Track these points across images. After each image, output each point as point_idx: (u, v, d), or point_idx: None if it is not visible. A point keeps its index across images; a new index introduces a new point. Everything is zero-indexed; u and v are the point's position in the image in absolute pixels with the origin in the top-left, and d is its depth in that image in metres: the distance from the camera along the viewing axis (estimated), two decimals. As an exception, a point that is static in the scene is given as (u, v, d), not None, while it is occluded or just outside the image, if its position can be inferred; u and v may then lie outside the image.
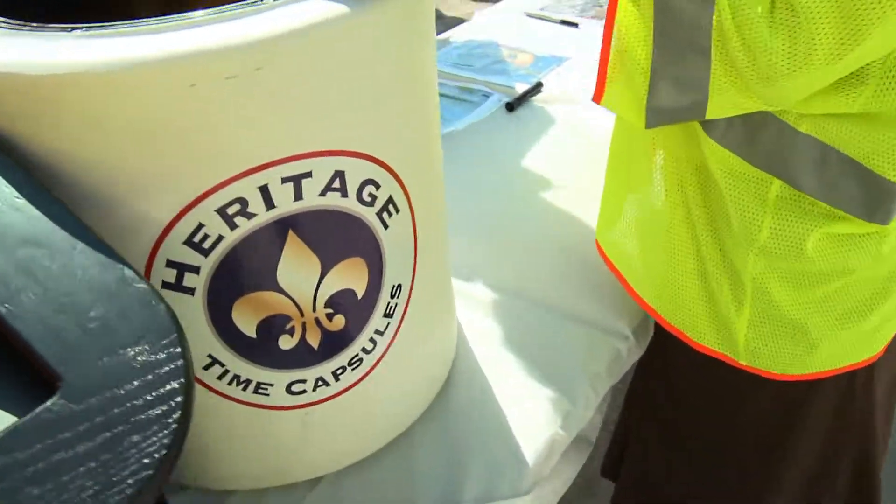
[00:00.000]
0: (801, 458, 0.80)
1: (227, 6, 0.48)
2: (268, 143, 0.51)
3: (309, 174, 0.53)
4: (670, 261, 0.74)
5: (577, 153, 1.07)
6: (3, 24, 0.47)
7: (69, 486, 0.36)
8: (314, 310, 0.59)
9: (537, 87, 1.24)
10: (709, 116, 0.62)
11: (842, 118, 0.60)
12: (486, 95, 1.24)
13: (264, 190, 0.52)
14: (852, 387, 0.77)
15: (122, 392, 0.39)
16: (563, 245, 0.91)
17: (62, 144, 0.48)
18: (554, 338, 0.81)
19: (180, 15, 0.47)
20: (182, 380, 0.40)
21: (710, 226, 0.70)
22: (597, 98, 0.66)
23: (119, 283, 0.43)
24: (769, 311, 0.70)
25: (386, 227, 0.60)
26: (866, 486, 0.84)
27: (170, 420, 0.39)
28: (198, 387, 0.59)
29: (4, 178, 0.46)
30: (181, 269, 0.54)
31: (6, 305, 0.41)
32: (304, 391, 0.62)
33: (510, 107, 1.20)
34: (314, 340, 0.60)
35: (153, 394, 0.40)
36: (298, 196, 0.54)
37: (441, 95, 1.24)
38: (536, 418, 0.72)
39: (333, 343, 0.61)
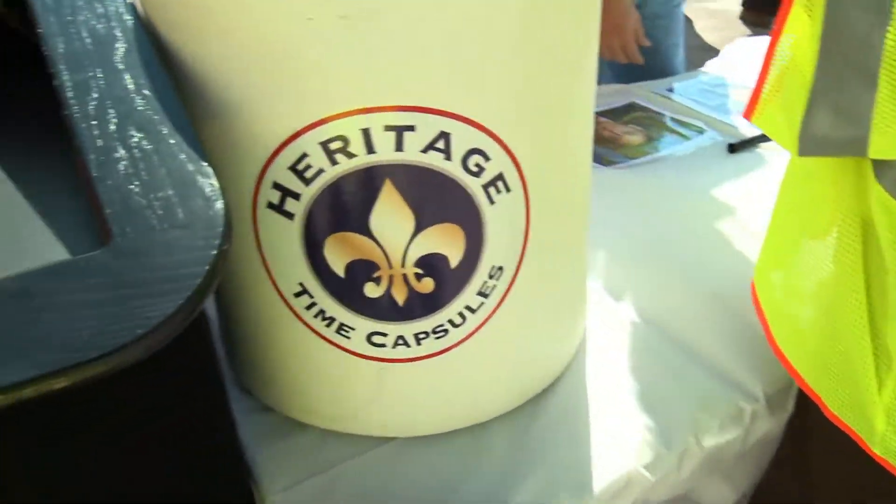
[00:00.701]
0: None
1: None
2: (373, 88, 0.55)
3: (412, 128, 0.56)
4: (821, 316, 0.68)
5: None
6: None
7: (77, 322, 0.42)
8: (403, 265, 0.62)
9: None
10: (872, 155, 0.56)
11: None
12: (701, 131, 1.21)
13: (366, 133, 0.56)
14: None
15: (154, 262, 0.45)
16: (721, 287, 0.86)
17: (203, 57, 0.56)
18: (673, 374, 0.77)
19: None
20: (206, 267, 0.45)
21: (864, 285, 0.63)
22: (748, 114, 0.62)
23: (193, 176, 0.49)
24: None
25: (492, 202, 0.61)
26: None
27: (180, 297, 0.44)
28: (287, 313, 0.65)
29: (146, 72, 0.55)
30: (284, 192, 0.59)
31: (100, 170, 0.49)
32: (384, 345, 0.65)
33: (732, 148, 1.15)
34: (400, 296, 0.63)
35: (178, 270, 0.45)
36: (399, 147, 0.57)
37: (649, 119, 1.23)
38: (622, 449, 0.69)
39: (419, 304, 0.64)
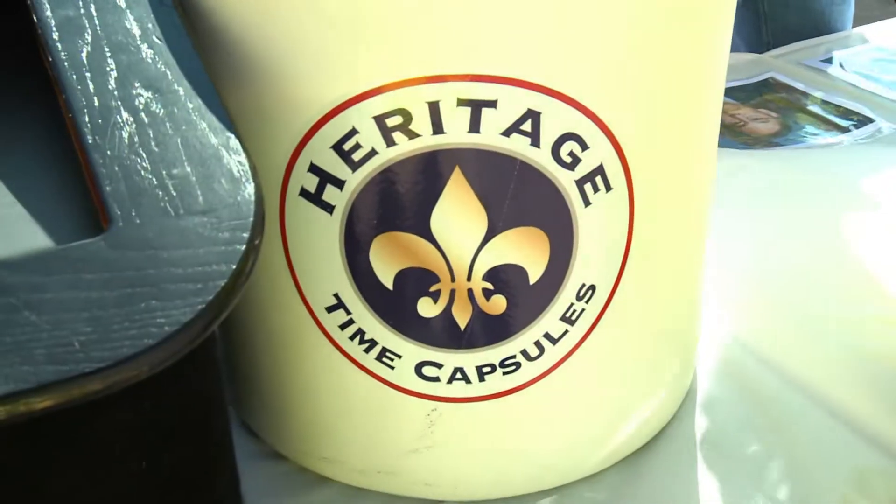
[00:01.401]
0: None
1: None
2: (446, 50, 0.54)
3: (493, 104, 0.56)
4: None
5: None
6: None
7: (64, 325, 0.42)
8: (469, 278, 0.62)
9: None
10: None
11: None
12: (866, 121, 1.17)
13: (434, 108, 0.56)
14: None
15: (166, 255, 0.45)
16: (880, 332, 0.85)
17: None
18: (814, 439, 0.76)
19: None
20: (233, 266, 0.46)
21: None
22: None
23: (217, 149, 0.50)
24: None
25: (587, 202, 0.61)
26: None
27: (199, 300, 0.44)
28: (314, 332, 0.65)
29: (156, 13, 0.55)
30: (324, 178, 0.59)
31: (96, 137, 0.49)
32: (437, 379, 0.65)
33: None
34: (462, 317, 0.63)
35: (196, 268, 0.45)
36: (475, 127, 0.57)
37: (790, 101, 1.20)
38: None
39: (485, 329, 0.64)
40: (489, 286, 0.62)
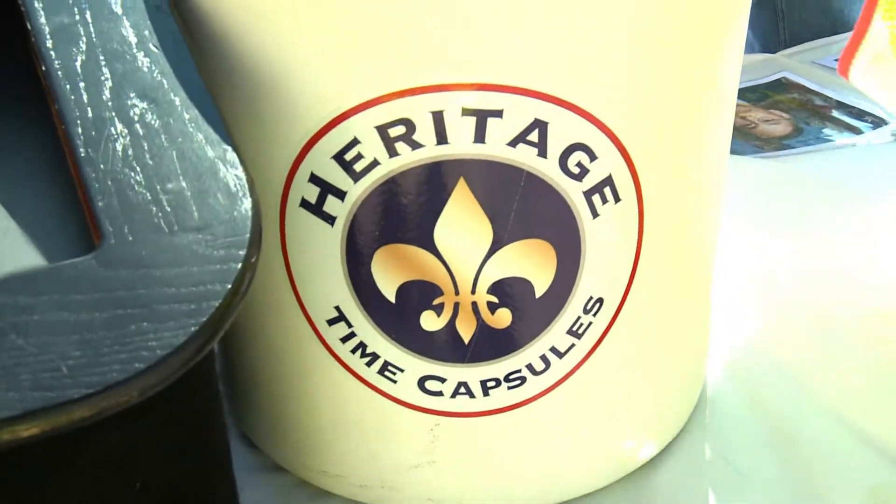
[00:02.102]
0: None
1: None
2: (452, 58, 0.53)
3: (499, 113, 0.55)
4: None
5: None
6: None
7: (52, 349, 0.41)
8: (473, 291, 0.60)
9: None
10: None
11: None
12: (876, 124, 1.16)
13: (438, 118, 0.55)
14: None
15: (158, 274, 0.44)
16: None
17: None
18: (831, 454, 0.75)
19: None
20: (229, 285, 0.44)
21: None
22: (843, 69, 0.60)
23: (213, 163, 0.48)
24: None
25: (595, 214, 0.60)
26: None
27: (192, 321, 0.43)
28: (315, 346, 0.64)
29: (153, 21, 0.54)
30: (325, 188, 0.58)
31: (89, 149, 0.48)
32: (440, 393, 0.64)
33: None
34: (465, 331, 0.62)
35: (189, 288, 0.44)
36: (480, 138, 0.56)
37: (802, 102, 1.18)
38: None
39: (490, 343, 0.62)
40: (494, 299, 0.61)
